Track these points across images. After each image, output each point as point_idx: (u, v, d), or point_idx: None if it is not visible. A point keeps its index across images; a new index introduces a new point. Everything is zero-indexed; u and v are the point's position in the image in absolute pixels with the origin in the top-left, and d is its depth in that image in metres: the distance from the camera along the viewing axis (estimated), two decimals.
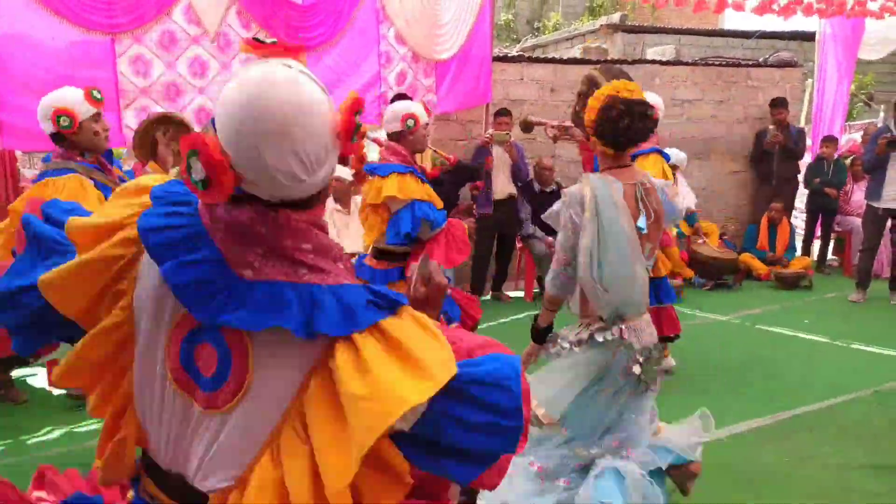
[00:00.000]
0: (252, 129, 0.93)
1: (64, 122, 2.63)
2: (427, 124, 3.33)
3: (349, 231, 5.29)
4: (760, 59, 8.84)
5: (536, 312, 2.41)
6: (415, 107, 3.37)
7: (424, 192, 3.21)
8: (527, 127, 3.85)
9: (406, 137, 3.31)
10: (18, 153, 4.67)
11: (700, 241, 6.87)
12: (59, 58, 4.11)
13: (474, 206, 3.55)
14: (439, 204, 3.27)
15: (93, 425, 3.33)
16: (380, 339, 0.93)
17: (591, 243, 2.12)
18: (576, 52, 9.21)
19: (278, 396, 0.97)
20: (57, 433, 3.43)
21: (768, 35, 10.71)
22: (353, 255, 5.22)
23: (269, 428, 0.98)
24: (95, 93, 2.64)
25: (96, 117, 2.75)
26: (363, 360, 0.91)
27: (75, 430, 3.46)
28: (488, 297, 6.41)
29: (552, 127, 3.85)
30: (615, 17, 11.21)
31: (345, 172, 5.34)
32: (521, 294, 6.54)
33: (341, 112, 1.00)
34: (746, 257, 7.20)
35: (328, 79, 5.27)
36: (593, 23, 11.86)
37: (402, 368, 0.91)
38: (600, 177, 2.22)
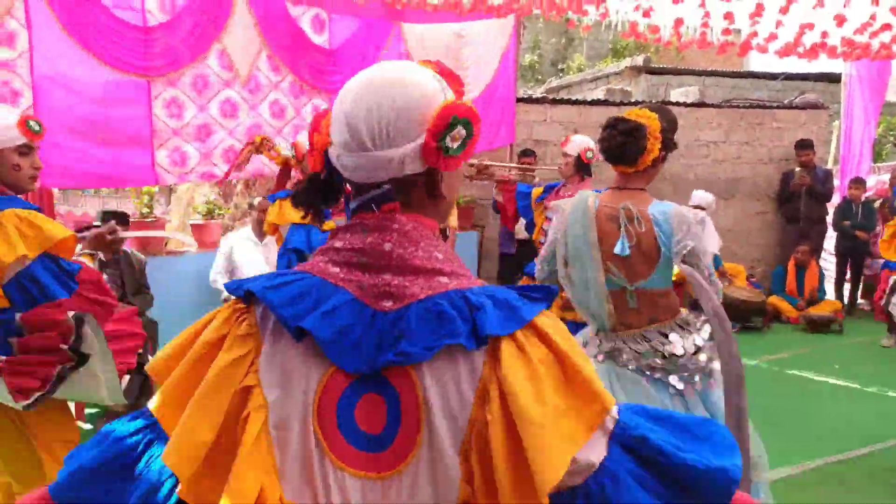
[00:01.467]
0: (353, 81, 0.93)
1: None
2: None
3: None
4: (786, 101, 8.83)
5: None
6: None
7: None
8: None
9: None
10: (56, 191, 4.82)
11: (726, 282, 6.79)
12: (97, 98, 4.26)
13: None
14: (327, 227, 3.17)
15: None
16: (542, 340, 0.84)
17: (562, 251, 2.37)
18: (600, 94, 9.29)
19: (453, 435, 0.83)
20: None
21: (794, 77, 10.71)
22: None
23: (454, 473, 0.83)
24: (33, 123, 2.11)
25: (23, 150, 2.12)
26: (534, 369, 0.81)
27: None
28: None
29: (469, 165, 4.00)
30: (639, 59, 11.30)
31: None
32: None
33: (444, 109, 0.90)
34: (774, 299, 7.09)
35: None
36: (617, 64, 11.98)
37: (570, 387, 0.83)
38: (585, 192, 2.41)
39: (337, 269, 0.89)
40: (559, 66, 17.63)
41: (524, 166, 4.58)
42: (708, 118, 7.79)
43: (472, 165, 3.99)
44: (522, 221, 6.25)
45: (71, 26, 4.10)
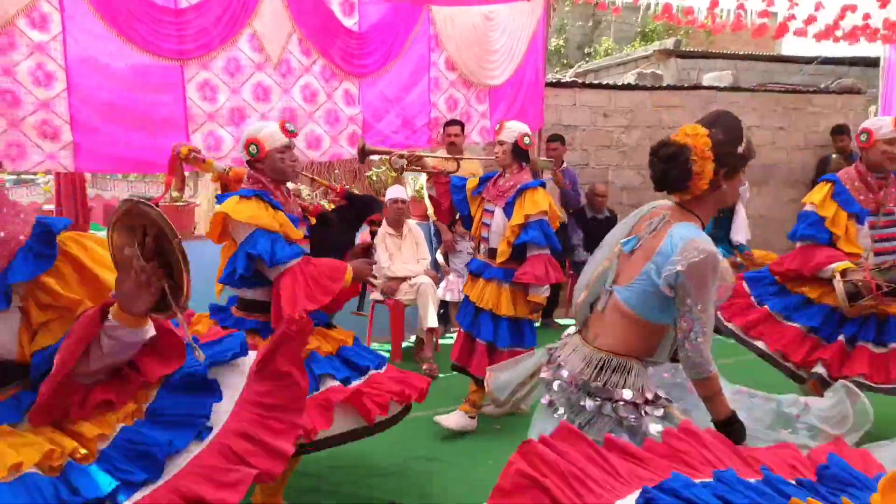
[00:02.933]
0: None
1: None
2: (286, 147, 2.71)
3: (401, 254, 5.33)
4: (822, 86, 8.61)
5: None
6: (263, 130, 2.72)
7: (271, 218, 2.58)
8: (362, 155, 3.60)
9: (255, 166, 2.74)
10: (87, 174, 4.86)
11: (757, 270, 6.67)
12: (130, 82, 4.28)
13: (372, 246, 3.03)
14: (295, 236, 2.66)
15: None
16: None
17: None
18: (629, 78, 9.15)
19: None
20: None
21: (830, 61, 10.43)
22: (404, 278, 5.24)
23: None
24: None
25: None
26: None
27: None
28: (538, 323, 6.34)
29: (399, 156, 3.72)
30: (669, 43, 11.10)
31: (402, 193, 5.38)
32: (571, 322, 6.45)
33: None
34: None
35: (380, 103, 5.38)
36: (646, 48, 11.78)
37: None
38: (660, 202, 2.19)
39: None
40: (586, 50, 17.38)
41: (454, 157, 4.25)
42: (742, 103, 7.62)
43: (402, 157, 3.73)
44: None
45: (103, 9, 4.12)
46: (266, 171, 2.70)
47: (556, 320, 6.40)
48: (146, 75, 4.33)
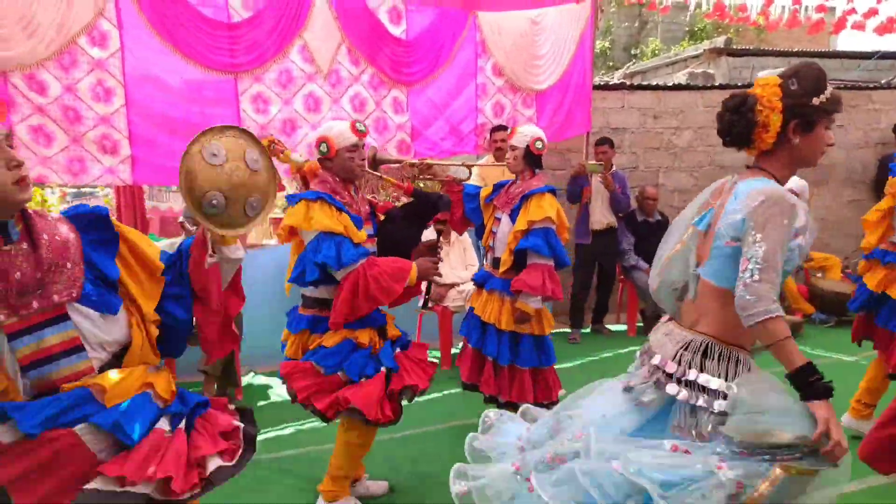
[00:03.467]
0: None
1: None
2: (355, 146, 2.74)
3: (449, 260, 5.32)
4: (883, 81, 8.27)
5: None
6: (333, 129, 2.77)
7: (335, 221, 2.61)
8: (373, 164, 3.33)
9: (325, 164, 2.79)
10: (145, 187, 5.00)
11: (818, 274, 6.44)
12: (186, 96, 4.39)
13: (439, 244, 2.97)
14: (359, 238, 2.67)
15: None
16: None
17: None
18: (678, 78, 8.96)
19: None
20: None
21: (889, 55, 10.03)
22: (452, 285, 5.23)
23: None
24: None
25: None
26: None
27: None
28: (588, 329, 6.25)
29: (409, 164, 3.60)
30: (719, 41, 10.84)
31: None
32: (623, 328, 6.34)
33: None
34: None
35: (427, 110, 5.38)
36: (696, 47, 11.52)
37: None
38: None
39: None
40: (632, 52, 17.13)
41: (466, 164, 4.00)
42: None
43: (413, 165, 3.62)
44: (602, 209, 6.13)
45: (159, 25, 4.23)
46: (335, 170, 2.75)
47: (606, 326, 6.29)
48: (200, 89, 4.42)
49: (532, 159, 3.52)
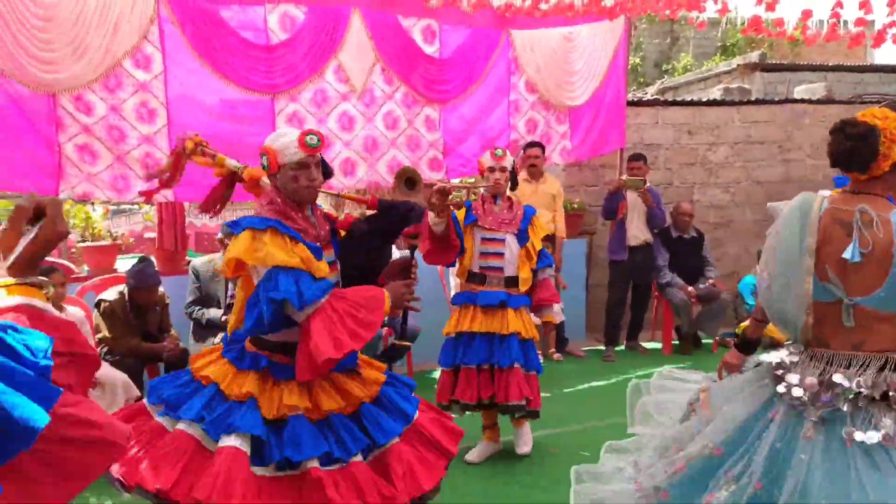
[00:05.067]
0: None
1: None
2: (301, 165, 2.17)
3: None
4: None
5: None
6: (278, 140, 2.21)
7: (290, 254, 2.11)
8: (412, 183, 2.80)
9: (272, 179, 2.26)
10: (186, 203, 5.10)
11: None
12: (225, 115, 4.50)
13: (413, 262, 2.48)
14: (320, 273, 2.16)
15: None
16: None
17: (769, 254, 2.16)
18: (712, 94, 8.88)
19: None
20: None
21: None
22: None
23: None
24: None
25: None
26: None
27: None
28: (622, 347, 6.17)
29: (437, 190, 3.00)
30: (753, 56, 10.72)
31: None
32: (658, 345, 6.25)
33: None
34: None
35: (460, 127, 5.42)
36: (728, 62, 11.42)
37: None
38: (810, 195, 2.14)
39: None
40: (663, 68, 17.04)
41: (473, 185, 3.95)
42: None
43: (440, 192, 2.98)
44: (639, 225, 6.07)
45: (201, 48, 4.35)
46: (280, 188, 2.22)
47: (641, 343, 6.21)
48: (238, 108, 4.53)
49: (514, 179, 3.67)
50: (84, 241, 5.21)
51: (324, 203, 3.61)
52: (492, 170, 3.54)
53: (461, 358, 3.50)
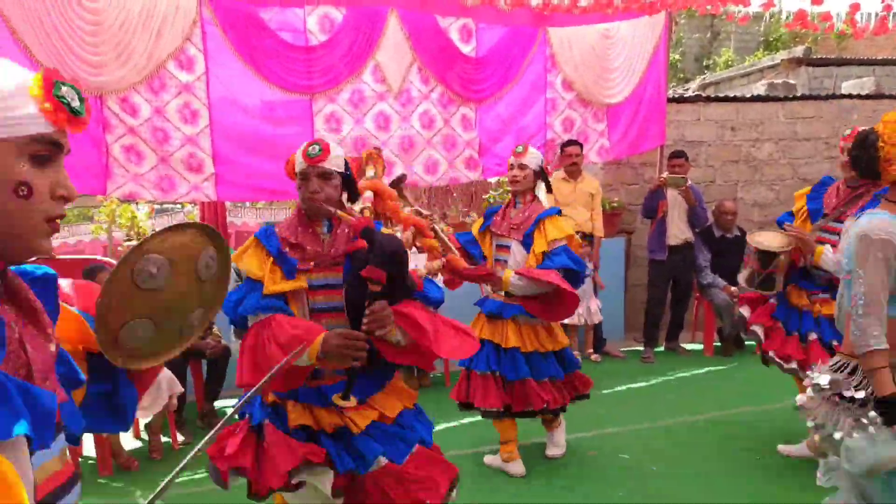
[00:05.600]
0: None
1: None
2: (303, 175, 2.11)
3: None
4: None
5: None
6: (297, 150, 2.14)
7: (259, 267, 2.10)
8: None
9: None
10: (228, 204, 5.20)
11: None
12: (265, 116, 4.56)
13: (371, 311, 1.98)
14: (272, 286, 2.05)
15: None
16: None
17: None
18: (755, 89, 8.67)
19: None
20: None
21: None
22: None
23: None
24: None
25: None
26: None
27: None
28: (661, 348, 6.07)
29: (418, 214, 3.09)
30: (798, 51, 10.44)
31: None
32: (699, 347, 6.13)
33: None
34: None
35: (496, 126, 5.40)
36: (772, 57, 11.14)
37: None
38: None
39: None
40: (704, 63, 16.72)
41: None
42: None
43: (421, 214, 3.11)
44: (680, 225, 5.95)
45: (242, 50, 4.41)
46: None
47: (681, 345, 6.10)
48: (277, 108, 4.59)
49: (543, 178, 3.43)
50: (129, 239, 5.35)
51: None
52: (510, 167, 3.40)
53: (471, 362, 3.42)
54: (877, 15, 6.22)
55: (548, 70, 5.54)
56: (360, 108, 4.78)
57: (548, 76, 5.56)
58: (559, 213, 3.36)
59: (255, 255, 2.10)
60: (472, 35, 5.16)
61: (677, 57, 16.66)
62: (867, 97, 7.23)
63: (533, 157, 3.36)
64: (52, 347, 0.99)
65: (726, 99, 7.07)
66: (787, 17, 5.79)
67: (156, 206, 7.49)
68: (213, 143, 4.44)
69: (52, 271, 1.11)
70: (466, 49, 5.15)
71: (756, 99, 7.03)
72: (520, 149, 3.40)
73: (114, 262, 5.09)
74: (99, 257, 4.90)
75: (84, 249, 11.29)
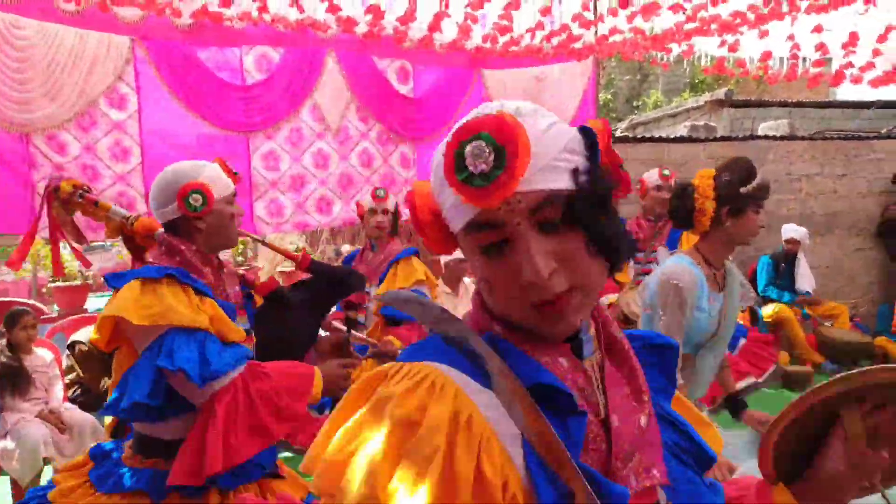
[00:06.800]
0: None
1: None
2: (233, 197, 1.96)
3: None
4: (883, 131, 8.39)
5: None
6: (204, 172, 1.92)
7: (194, 310, 1.67)
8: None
9: (186, 225, 1.85)
10: None
11: (827, 323, 6.43)
12: (200, 154, 4.50)
13: (350, 338, 2.11)
14: (235, 335, 1.75)
15: None
16: None
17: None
18: (681, 130, 9.12)
19: None
20: None
21: (891, 104, 10.20)
22: None
23: None
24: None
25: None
26: None
27: None
28: None
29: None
30: (720, 93, 11.06)
31: (461, 252, 5.43)
32: None
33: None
34: (882, 340, 6.63)
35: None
36: (696, 99, 11.75)
37: None
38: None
39: None
40: (634, 104, 17.46)
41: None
42: (799, 151, 7.48)
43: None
44: None
45: (177, 88, 4.38)
46: (203, 232, 1.83)
47: None
48: (213, 145, 4.55)
49: (396, 218, 3.41)
50: (54, 280, 5.17)
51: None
52: (373, 212, 3.34)
53: None
54: (787, 62, 6.68)
55: None
56: (299, 145, 4.80)
57: None
58: (415, 253, 3.29)
59: (178, 298, 1.67)
60: (409, 76, 5.28)
61: (609, 97, 17.36)
62: (781, 138, 7.70)
63: (392, 201, 3.41)
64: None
65: (652, 139, 7.42)
66: (707, 63, 6.15)
67: (83, 245, 7.25)
68: (145, 182, 4.36)
69: None
70: (404, 90, 5.26)
71: (680, 140, 7.40)
72: (381, 193, 3.37)
73: (39, 305, 4.89)
74: (21, 300, 4.71)
75: (7, 290, 10.77)
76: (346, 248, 5.19)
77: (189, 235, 1.83)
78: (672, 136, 7.58)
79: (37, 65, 3.96)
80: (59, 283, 4.99)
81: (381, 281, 3.25)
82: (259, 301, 2.04)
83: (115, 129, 4.28)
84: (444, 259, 5.32)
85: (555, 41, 5.55)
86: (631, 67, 17.74)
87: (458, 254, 3.91)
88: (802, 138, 7.78)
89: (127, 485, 1.67)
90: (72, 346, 4.20)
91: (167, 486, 1.61)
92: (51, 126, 4.09)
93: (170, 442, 1.69)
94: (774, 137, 7.70)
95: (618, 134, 8.59)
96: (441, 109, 5.46)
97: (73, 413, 3.83)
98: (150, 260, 1.87)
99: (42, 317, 4.65)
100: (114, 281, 1.70)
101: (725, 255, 2.23)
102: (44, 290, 5.51)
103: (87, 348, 4.15)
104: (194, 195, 1.79)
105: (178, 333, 1.62)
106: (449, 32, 5.18)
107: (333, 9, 4.20)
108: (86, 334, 4.22)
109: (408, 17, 4.86)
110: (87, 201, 2.11)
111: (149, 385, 1.58)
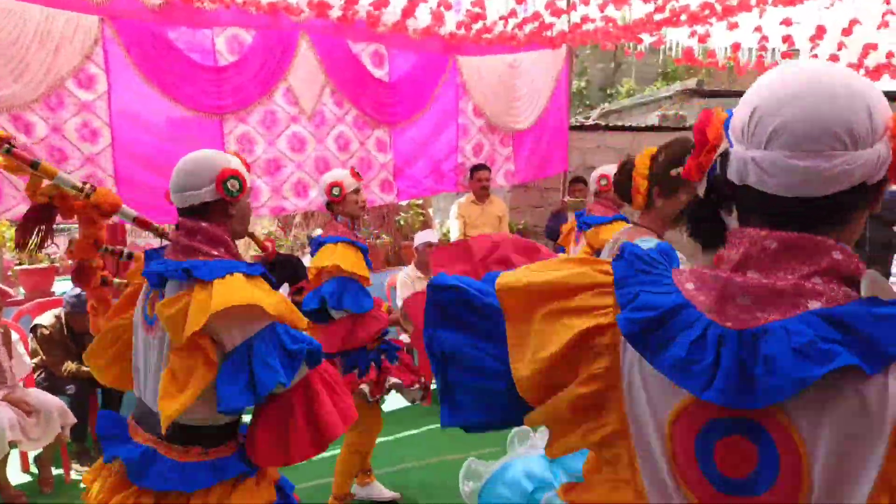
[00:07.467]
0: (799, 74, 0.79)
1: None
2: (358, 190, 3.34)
3: None
4: None
5: None
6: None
7: (284, 304, 1.79)
8: None
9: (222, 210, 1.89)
10: (128, 225, 5.02)
11: None
12: (172, 136, 4.46)
13: None
14: (302, 324, 1.83)
15: None
16: None
17: None
18: (652, 118, 9.24)
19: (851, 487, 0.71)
20: None
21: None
22: None
23: None
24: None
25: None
26: None
27: None
28: None
29: None
30: (691, 83, 11.20)
31: (432, 236, 5.47)
32: None
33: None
34: None
35: (410, 150, 5.51)
36: (668, 88, 11.89)
37: None
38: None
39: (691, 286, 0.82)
40: (608, 92, 17.59)
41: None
42: None
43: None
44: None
45: (147, 69, 4.32)
46: (233, 218, 1.88)
47: None
48: (186, 128, 4.50)
49: (329, 206, 3.30)
50: (21, 263, 5.08)
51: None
52: (357, 191, 3.31)
53: None
54: (755, 53, 6.81)
55: (459, 97, 5.73)
56: (273, 129, 4.77)
57: (459, 103, 5.74)
58: (343, 241, 3.13)
59: (272, 293, 1.76)
60: (384, 60, 5.26)
61: (583, 85, 17.45)
62: None
63: (321, 186, 3.38)
64: None
65: (624, 128, 7.51)
66: (677, 54, 6.25)
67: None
68: (115, 164, 4.31)
69: None
70: (379, 73, 5.25)
71: (650, 129, 7.51)
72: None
73: (4, 287, 4.81)
74: None
75: None
76: (318, 233, 5.18)
77: (218, 221, 1.85)
78: (644, 126, 7.68)
79: (1, 43, 3.87)
80: (25, 266, 4.91)
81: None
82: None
83: (84, 110, 4.21)
84: (415, 244, 5.34)
85: (528, 29, 5.59)
86: (605, 56, 17.84)
87: (427, 237, 4.00)
88: None
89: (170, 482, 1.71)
90: (34, 329, 4.16)
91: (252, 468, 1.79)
92: (16, 106, 4.00)
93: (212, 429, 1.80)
94: None
95: (591, 122, 8.68)
96: (416, 94, 5.47)
97: (40, 395, 3.79)
98: (180, 240, 1.80)
99: (8, 299, 4.57)
100: (200, 272, 1.65)
101: (663, 232, 2.17)
102: (9, 272, 5.41)
103: (48, 332, 4.12)
104: (232, 180, 1.83)
105: (282, 325, 1.73)
106: (423, 18, 5.18)
107: None
108: (48, 318, 4.18)
109: (381, 2, 4.85)
110: (19, 158, 1.97)
111: (280, 365, 1.67)
